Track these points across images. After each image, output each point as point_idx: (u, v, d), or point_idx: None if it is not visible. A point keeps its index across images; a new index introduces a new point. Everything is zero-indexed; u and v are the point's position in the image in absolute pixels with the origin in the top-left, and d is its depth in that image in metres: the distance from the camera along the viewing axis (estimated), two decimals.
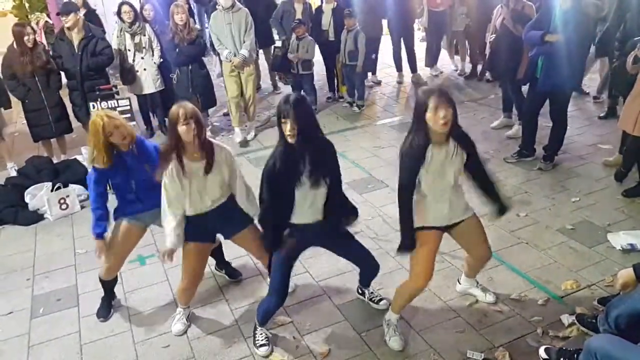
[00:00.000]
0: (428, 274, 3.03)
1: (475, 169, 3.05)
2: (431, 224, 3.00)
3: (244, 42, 6.27)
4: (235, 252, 4.24)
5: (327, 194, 2.97)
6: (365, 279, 3.59)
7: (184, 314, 3.58)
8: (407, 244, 2.99)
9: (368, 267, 3.47)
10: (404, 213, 2.96)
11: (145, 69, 6.48)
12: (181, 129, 2.99)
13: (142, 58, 6.45)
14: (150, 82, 6.53)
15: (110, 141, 3.20)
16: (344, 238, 3.28)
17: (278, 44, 7.57)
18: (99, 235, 3.40)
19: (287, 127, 2.76)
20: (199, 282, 3.51)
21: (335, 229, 3.14)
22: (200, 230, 3.30)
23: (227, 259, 4.11)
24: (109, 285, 3.75)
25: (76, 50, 5.91)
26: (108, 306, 3.76)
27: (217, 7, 6.31)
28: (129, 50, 6.42)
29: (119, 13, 6.38)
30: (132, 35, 6.36)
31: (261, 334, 3.31)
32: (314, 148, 2.87)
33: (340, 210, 3.11)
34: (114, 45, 6.38)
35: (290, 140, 2.79)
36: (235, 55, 6.29)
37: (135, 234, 3.55)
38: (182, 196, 3.16)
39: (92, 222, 3.40)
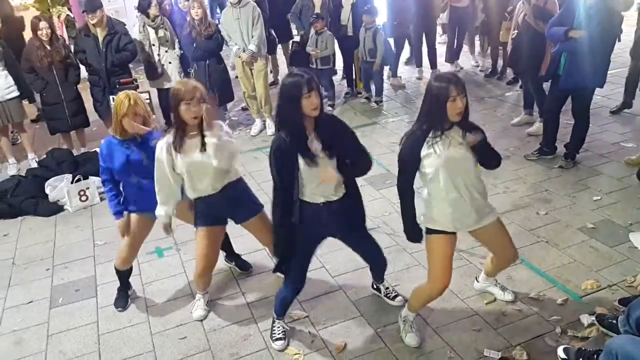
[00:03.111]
0: (446, 278, 2.98)
1: (482, 153, 2.89)
2: (444, 229, 2.92)
3: (252, 36, 6.27)
4: (250, 246, 4.26)
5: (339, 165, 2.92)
6: (375, 273, 3.58)
7: (203, 300, 3.62)
8: (412, 237, 2.99)
9: (377, 263, 3.46)
10: (405, 204, 2.95)
11: (170, 62, 6.44)
12: (183, 108, 2.99)
13: (166, 51, 6.40)
14: (176, 75, 6.46)
15: (121, 121, 3.29)
16: (359, 229, 3.23)
17: (296, 38, 7.55)
18: (117, 215, 3.50)
19: (315, 101, 2.72)
20: (213, 267, 3.56)
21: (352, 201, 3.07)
22: (210, 214, 3.32)
23: (242, 252, 4.13)
24: (124, 275, 3.79)
25: (101, 47, 5.92)
26: (125, 296, 3.81)
27: (226, 3, 6.31)
28: (154, 45, 6.37)
29: (147, 7, 6.27)
30: (156, 30, 6.34)
31: (279, 327, 3.32)
32: (325, 120, 2.86)
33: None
34: (138, 40, 6.34)
35: (315, 113, 2.75)
36: (244, 51, 6.29)
37: (146, 225, 3.62)
38: (170, 178, 3.17)
39: (108, 203, 3.54)
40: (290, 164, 2.82)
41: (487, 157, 2.90)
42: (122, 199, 3.53)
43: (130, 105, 3.25)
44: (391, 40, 7.63)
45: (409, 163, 2.85)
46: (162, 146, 3.11)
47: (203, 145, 3.08)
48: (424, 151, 2.79)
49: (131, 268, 3.79)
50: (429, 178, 2.85)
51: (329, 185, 2.91)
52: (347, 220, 3.09)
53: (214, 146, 3.06)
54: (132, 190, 3.48)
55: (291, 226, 2.93)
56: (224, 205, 3.32)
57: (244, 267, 4.05)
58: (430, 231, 2.96)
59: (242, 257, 4.11)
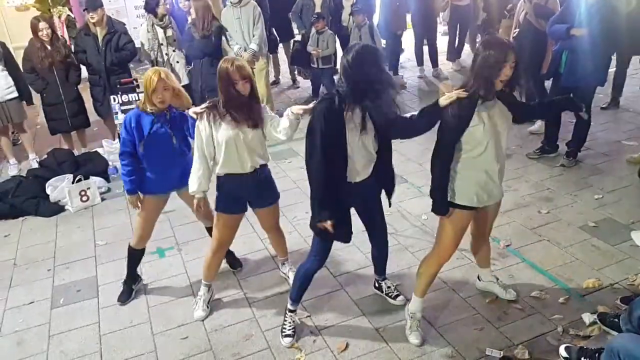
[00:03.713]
0: (455, 248, 3.07)
1: (522, 111, 3.02)
2: (469, 204, 2.93)
3: (253, 36, 6.24)
4: (251, 246, 4.26)
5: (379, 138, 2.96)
6: (377, 263, 3.55)
7: (204, 299, 3.61)
8: (442, 209, 2.95)
9: (380, 245, 3.44)
10: (441, 174, 2.89)
11: (177, 62, 6.34)
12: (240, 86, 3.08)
13: (174, 51, 6.30)
14: (183, 75, 6.36)
15: (151, 96, 3.30)
16: (379, 204, 3.28)
17: (298, 37, 7.54)
18: (129, 192, 3.49)
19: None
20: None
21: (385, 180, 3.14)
22: (233, 198, 3.33)
23: (243, 253, 4.13)
24: (135, 258, 3.80)
25: (101, 46, 5.91)
26: (129, 291, 3.83)
27: (226, 2, 6.29)
28: (162, 44, 6.25)
29: (155, 6, 6.14)
30: (164, 29, 6.23)
31: (291, 322, 3.32)
32: None
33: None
34: (145, 41, 6.25)
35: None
36: (245, 50, 6.26)
37: (160, 204, 3.68)
38: (212, 147, 3.19)
39: (122, 177, 3.53)
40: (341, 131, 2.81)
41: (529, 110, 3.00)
42: (136, 178, 3.50)
43: (161, 78, 3.26)
44: (383, 41, 7.65)
45: (456, 131, 2.80)
46: (203, 118, 3.15)
47: (251, 119, 3.14)
48: (473, 121, 2.76)
49: (143, 251, 3.82)
50: (474, 149, 2.82)
51: (372, 157, 2.97)
52: (378, 188, 3.17)
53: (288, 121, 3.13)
54: (154, 170, 3.48)
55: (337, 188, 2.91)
56: (251, 187, 3.32)
57: (234, 265, 4.07)
58: (452, 205, 2.96)
59: (242, 257, 4.11)
